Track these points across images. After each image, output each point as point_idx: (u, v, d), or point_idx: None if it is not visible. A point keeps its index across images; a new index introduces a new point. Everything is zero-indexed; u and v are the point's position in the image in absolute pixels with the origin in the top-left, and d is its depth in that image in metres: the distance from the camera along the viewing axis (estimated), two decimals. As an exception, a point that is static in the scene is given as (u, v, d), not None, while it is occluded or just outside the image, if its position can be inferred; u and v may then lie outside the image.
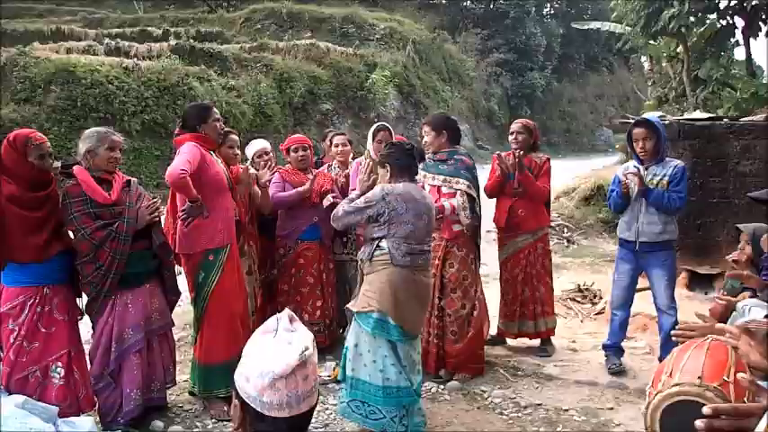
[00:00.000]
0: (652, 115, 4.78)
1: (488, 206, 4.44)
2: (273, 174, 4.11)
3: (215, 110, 3.54)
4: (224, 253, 3.42)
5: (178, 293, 3.52)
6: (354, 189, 4.05)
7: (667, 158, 3.88)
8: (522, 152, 4.22)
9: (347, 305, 3.19)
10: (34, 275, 2.96)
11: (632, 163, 3.94)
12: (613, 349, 4.07)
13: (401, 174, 3.09)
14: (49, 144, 3.00)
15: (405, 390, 3.00)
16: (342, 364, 3.15)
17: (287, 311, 1.36)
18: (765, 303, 3.17)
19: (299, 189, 4.06)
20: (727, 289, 3.62)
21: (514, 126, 4.36)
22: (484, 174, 4.42)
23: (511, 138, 4.33)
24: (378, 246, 3.00)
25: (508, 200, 4.29)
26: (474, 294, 3.93)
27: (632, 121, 6.53)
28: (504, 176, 4.22)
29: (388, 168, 3.11)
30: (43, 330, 2.97)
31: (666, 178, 3.76)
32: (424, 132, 3.99)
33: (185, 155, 3.23)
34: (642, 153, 3.81)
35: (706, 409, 1.14)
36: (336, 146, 4.49)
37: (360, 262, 3.15)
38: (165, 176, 3.28)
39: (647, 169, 3.83)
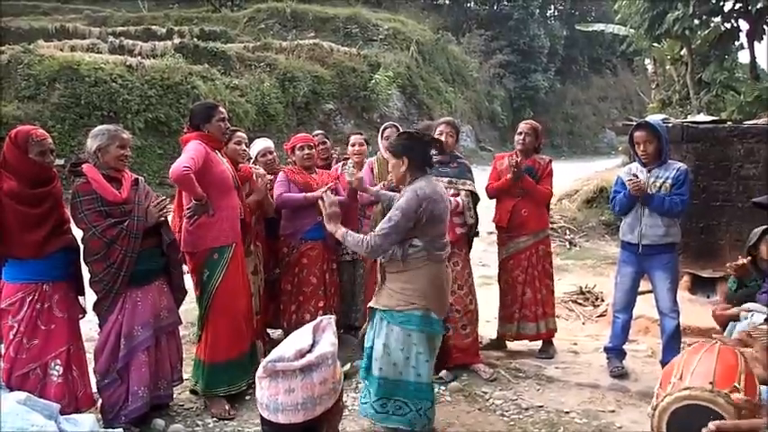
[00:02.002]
0: (654, 118, 4.77)
1: (488, 207, 4.44)
2: (276, 175, 4.12)
3: (221, 109, 3.54)
4: (229, 252, 3.42)
5: (185, 292, 3.53)
6: (375, 186, 4.01)
7: (670, 161, 3.86)
8: (520, 158, 4.22)
9: (370, 303, 3.12)
10: (34, 272, 2.95)
11: (635, 165, 3.93)
12: (615, 352, 4.06)
13: (421, 168, 2.98)
14: (50, 141, 3.00)
15: (431, 385, 3.11)
16: (365, 364, 3.11)
17: (331, 318, 1.32)
18: (766, 308, 3.17)
19: (308, 195, 4.03)
20: (727, 292, 3.63)
21: (523, 127, 4.34)
22: (486, 175, 4.42)
23: (518, 138, 4.32)
24: (411, 244, 2.93)
25: (511, 200, 4.28)
26: (474, 290, 4.10)
27: (635, 123, 6.53)
28: (514, 179, 4.20)
29: (406, 161, 2.96)
30: (43, 327, 2.96)
31: (669, 181, 3.75)
32: (446, 131, 3.98)
33: (189, 152, 3.24)
34: (644, 156, 3.81)
35: (711, 426, 1.18)
36: (353, 145, 4.51)
37: (383, 261, 3.04)
38: (168, 174, 3.29)
39: (649, 172, 3.82)
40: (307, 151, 4.21)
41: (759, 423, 1.21)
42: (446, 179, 3.92)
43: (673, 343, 3.83)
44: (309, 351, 1.23)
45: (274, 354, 1.23)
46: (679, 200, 3.72)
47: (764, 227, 3.43)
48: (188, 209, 3.33)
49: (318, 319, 1.32)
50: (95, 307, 3.17)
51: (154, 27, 18.61)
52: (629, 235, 3.89)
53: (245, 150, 3.99)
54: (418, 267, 2.95)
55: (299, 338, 1.27)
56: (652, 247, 3.80)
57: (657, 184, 3.77)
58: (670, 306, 3.84)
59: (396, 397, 3.01)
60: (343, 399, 1.27)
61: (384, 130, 4.36)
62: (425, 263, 2.96)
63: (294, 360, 1.20)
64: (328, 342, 1.25)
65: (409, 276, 2.96)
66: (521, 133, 4.31)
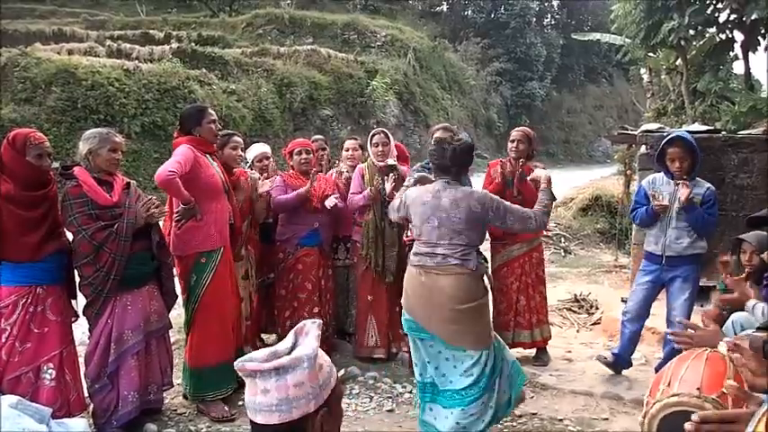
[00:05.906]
0: (649, 127, 4.77)
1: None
2: (273, 183, 4.12)
3: (210, 111, 3.54)
4: (216, 256, 3.42)
5: (175, 296, 3.51)
6: (355, 193, 4.13)
7: (697, 178, 3.81)
8: (523, 160, 4.24)
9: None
10: (28, 275, 2.94)
11: (660, 176, 3.89)
12: (619, 358, 4.04)
13: (433, 176, 3.12)
14: (48, 144, 3.00)
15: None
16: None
17: (316, 323, 1.29)
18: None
19: (300, 191, 4.04)
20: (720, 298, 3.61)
21: (515, 134, 4.33)
22: (480, 181, 4.44)
23: (511, 145, 4.32)
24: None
25: None
26: None
27: (630, 132, 6.52)
28: (503, 184, 4.22)
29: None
30: (36, 331, 2.95)
31: (700, 198, 3.71)
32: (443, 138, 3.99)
33: (176, 156, 3.26)
34: (678, 172, 3.73)
35: (694, 417, 1.21)
36: (347, 149, 4.52)
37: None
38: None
39: (676, 185, 3.75)
40: (304, 156, 4.22)
41: (744, 412, 1.23)
42: None
43: (674, 354, 3.79)
44: (289, 353, 1.22)
45: (250, 354, 1.24)
46: (711, 220, 3.70)
47: (740, 236, 3.41)
48: (176, 213, 3.35)
49: (302, 322, 1.30)
50: (85, 311, 3.16)
51: (152, 31, 18.64)
52: (654, 246, 3.87)
53: (240, 156, 3.99)
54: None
55: (284, 341, 1.27)
56: (675, 259, 3.78)
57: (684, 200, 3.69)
58: (685, 316, 3.80)
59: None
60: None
61: (373, 136, 4.37)
62: (409, 266, 3.07)
63: (265, 361, 1.20)
64: (309, 346, 1.23)
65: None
66: (513, 140, 4.30)
